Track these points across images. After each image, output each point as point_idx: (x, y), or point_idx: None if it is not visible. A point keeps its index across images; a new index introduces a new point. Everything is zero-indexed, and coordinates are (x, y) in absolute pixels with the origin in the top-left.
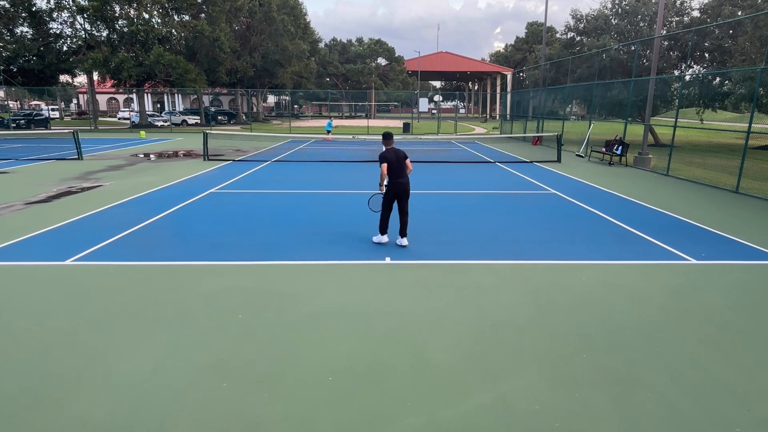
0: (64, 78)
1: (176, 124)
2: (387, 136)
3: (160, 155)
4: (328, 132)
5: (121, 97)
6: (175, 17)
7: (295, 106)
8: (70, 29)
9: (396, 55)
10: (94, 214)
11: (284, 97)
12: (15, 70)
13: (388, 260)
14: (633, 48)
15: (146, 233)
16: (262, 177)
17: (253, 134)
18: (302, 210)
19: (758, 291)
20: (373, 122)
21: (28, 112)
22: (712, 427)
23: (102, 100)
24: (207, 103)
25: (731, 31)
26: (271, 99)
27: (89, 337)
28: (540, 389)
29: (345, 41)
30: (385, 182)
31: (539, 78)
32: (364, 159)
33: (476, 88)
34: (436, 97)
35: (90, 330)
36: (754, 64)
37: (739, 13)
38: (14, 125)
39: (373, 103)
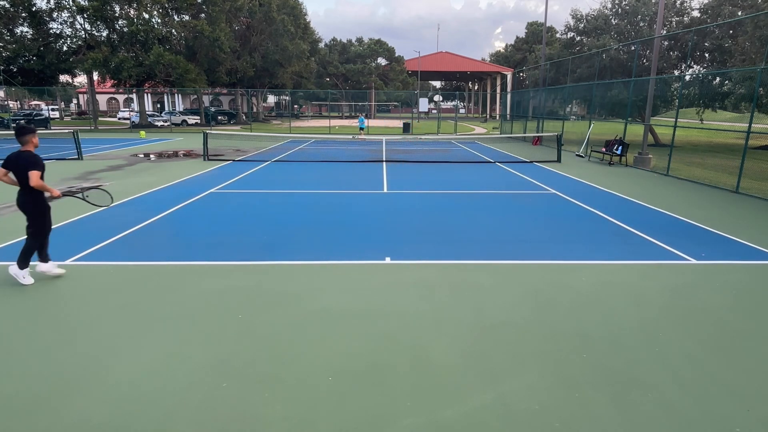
0: (64, 78)
1: (176, 124)
2: (22, 132)
3: (160, 155)
4: (362, 130)
5: (121, 97)
6: (175, 17)
7: (295, 106)
8: (70, 29)
9: (396, 55)
10: (94, 214)
11: (284, 97)
12: (15, 70)
13: (388, 260)
14: (633, 48)
15: (146, 233)
16: (262, 177)
17: (253, 134)
18: (302, 210)
19: (758, 291)
20: (374, 122)
21: (28, 112)
22: (712, 427)
23: (102, 100)
24: (207, 103)
25: (731, 31)
26: (271, 99)
27: (89, 337)
28: (540, 389)
29: (345, 41)
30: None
31: (539, 78)
32: (364, 159)
33: (476, 88)
34: (436, 97)
35: (90, 330)
36: (754, 64)
37: (739, 13)
38: (14, 125)
39: (373, 103)
